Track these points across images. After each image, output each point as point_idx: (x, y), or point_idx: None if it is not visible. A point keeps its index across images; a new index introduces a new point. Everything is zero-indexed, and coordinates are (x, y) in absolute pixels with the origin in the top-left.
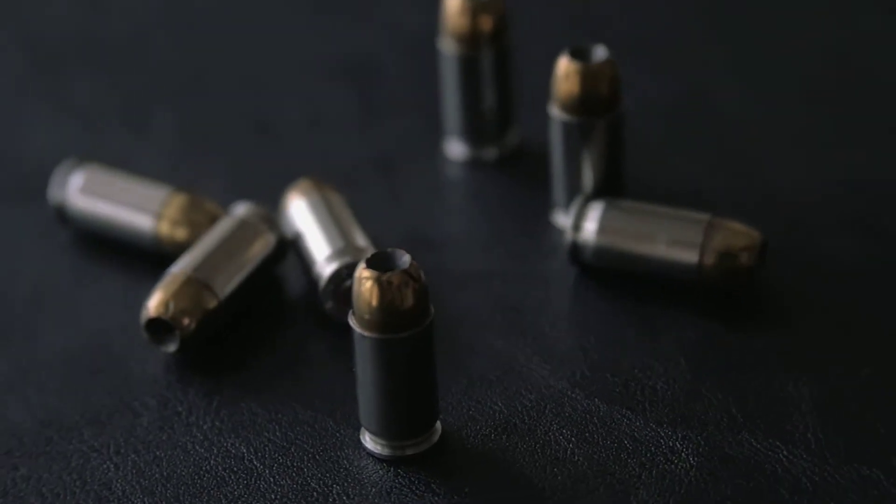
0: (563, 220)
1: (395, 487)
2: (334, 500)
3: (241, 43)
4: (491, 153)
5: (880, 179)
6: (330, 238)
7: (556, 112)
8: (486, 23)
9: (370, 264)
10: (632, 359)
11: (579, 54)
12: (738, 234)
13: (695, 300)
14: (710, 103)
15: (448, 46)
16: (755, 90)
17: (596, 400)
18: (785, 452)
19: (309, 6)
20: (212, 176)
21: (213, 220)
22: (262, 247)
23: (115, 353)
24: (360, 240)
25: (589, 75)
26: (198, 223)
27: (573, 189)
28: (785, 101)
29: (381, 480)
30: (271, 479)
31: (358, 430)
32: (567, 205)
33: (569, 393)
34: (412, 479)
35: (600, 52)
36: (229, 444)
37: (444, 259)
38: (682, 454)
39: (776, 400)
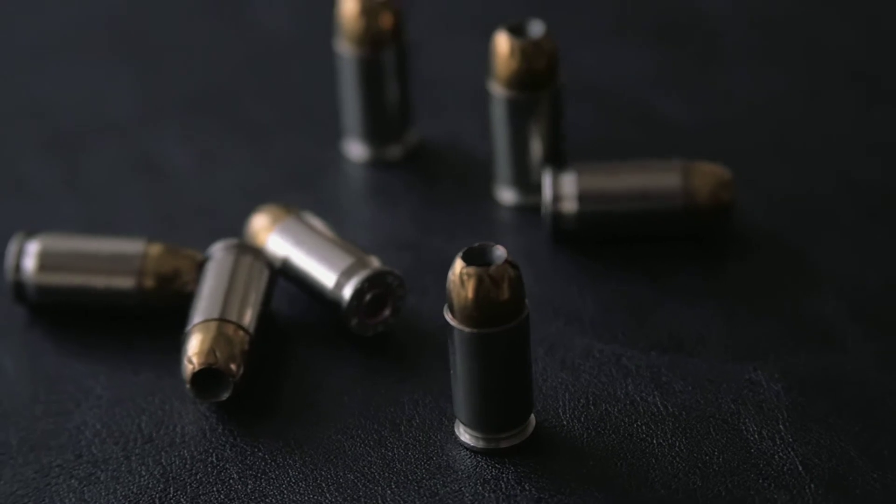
0: (509, 196)
1: (526, 476)
2: (471, 500)
3: (94, 83)
4: (395, 151)
5: (770, 100)
6: (334, 257)
7: (498, 90)
8: (387, 21)
9: (469, 261)
10: (659, 311)
11: (517, 31)
12: (712, 173)
13: (677, 247)
14: (578, 65)
15: (346, 49)
16: (608, 43)
17: (652, 353)
18: (850, 364)
19: (166, 46)
20: (126, 223)
21: (195, 264)
22: (264, 279)
23: (158, 417)
24: (361, 252)
25: (532, 51)
26: (183, 270)
27: (521, 165)
28: (639, 47)
29: (503, 475)
30: (400, 498)
31: (447, 432)
32: (515, 181)
33: (623, 352)
34: (533, 465)
35: (537, 28)
36: (334, 475)
37: (419, 257)
38: (764, 384)
39: (811, 318)
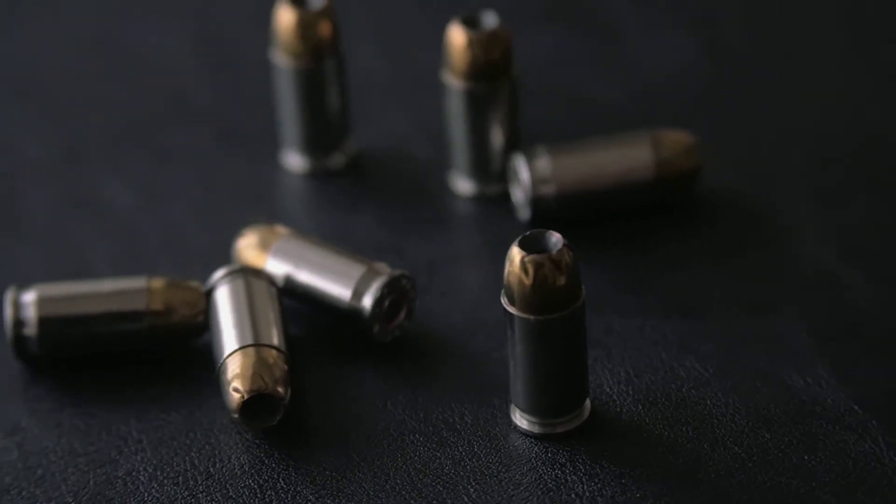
0: (469, 187)
1: (599, 455)
2: (554, 485)
3: (5, 130)
4: (338, 160)
5: (685, 66)
6: (344, 268)
7: (456, 82)
8: (325, 31)
9: (527, 249)
10: (659, 280)
11: (471, 23)
12: (678, 140)
13: (650, 218)
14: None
15: (284, 61)
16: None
17: (671, 321)
18: (862, 300)
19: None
20: (90, 265)
21: (201, 295)
22: (277, 300)
23: (207, 452)
24: (367, 259)
25: (490, 42)
26: (190, 302)
27: (480, 154)
28: (538, 30)
29: (577, 457)
30: (486, 495)
31: (504, 423)
32: (474, 171)
33: (643, 324)
34: (602, 443)
35: (491, 19)
36: (409, 482)
37: (404, 258)
38: (789, 333)
39: (805, 265)
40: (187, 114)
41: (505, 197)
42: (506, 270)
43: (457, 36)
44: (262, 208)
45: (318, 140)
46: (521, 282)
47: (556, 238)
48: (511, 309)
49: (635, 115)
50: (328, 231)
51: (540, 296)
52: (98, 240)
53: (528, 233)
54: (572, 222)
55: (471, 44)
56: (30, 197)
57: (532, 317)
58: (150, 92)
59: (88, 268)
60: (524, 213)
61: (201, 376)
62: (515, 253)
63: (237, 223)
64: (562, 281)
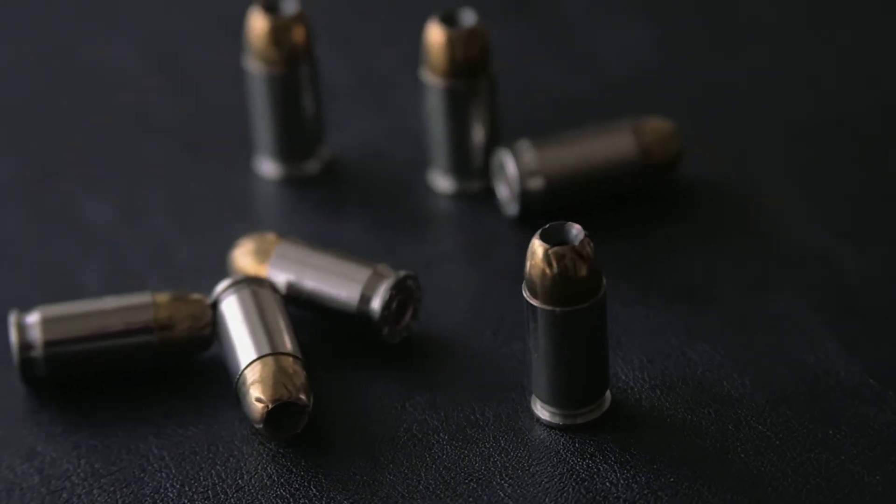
0: (450, 184)
1: (626, 442)
2: (587, 474)
3: None
4: (313, 166)
5: (648, 54)
6: (348, 271)
7: (436, 80)
8: (300, 36)
9: (549, 242)
10: (654, 268)
11: (449, 20)
12: (661, 127)
13: (633, 208)
14: None
15: (258, 68)
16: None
17: (674, 307)
18: (861, 277)
19: None
20: (82, 285)
21: (208, 307)
22: (283, 306)
23: (232, 465)
24: (369, 261)
25: (469, 39)
26: (197, 315)
27: (461, 152)
28: (493, 24)
29: (605, 445)
30: (522, 489)
31: (527, 417)
32: (456, 169)
33: (647, 311)
34: (628, 430)
35: (469, 17)
36: (443, 480)
37: (399, 260)
38: (793, 313)
39: (797, 247)
40: (153, 127)
41: (487, 193)
42: (527, 264)
43: (435, 34)
44: (244, 217)
45: (293, 146)
46: (544, 274)
47: (576, 229)
48: (534, 302)
49: (602, 107)
50: (315, 238)
51: (563, 287)
52: (84, 259)
53: (547, 226)
54: (558, 215)
55: (449, 42)
56: (7, 220)
57: (556, 308)
58: (113, 107)
59: (79, 288)
60: (511, 209)
61: (212, 389)
62: (538, 245)
63: (221, 233)
64: (584, 272)
